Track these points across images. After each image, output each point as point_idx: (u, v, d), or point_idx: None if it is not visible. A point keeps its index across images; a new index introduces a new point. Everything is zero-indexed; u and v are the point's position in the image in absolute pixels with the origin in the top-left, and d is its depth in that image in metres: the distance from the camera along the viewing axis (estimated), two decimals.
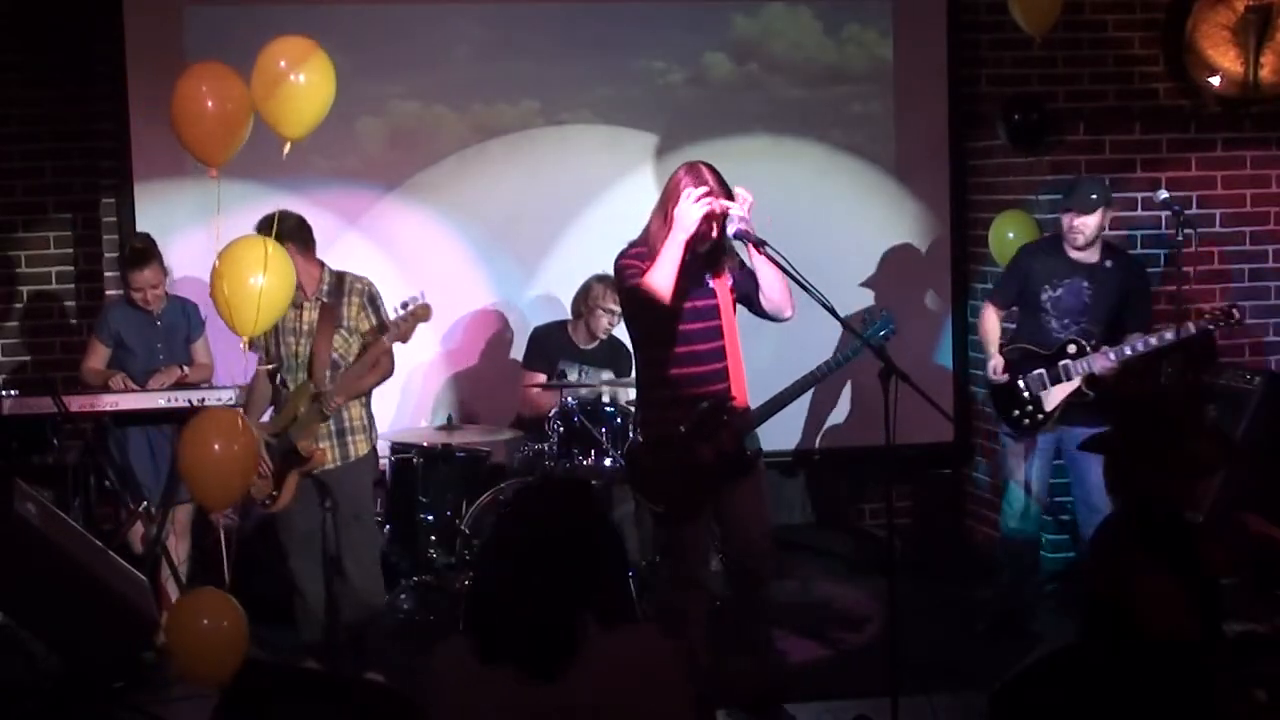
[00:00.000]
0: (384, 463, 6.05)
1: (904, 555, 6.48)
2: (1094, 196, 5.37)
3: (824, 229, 6.67)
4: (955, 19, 6.82)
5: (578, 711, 2.57)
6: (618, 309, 6.10)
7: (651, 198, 6.02)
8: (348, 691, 3.55)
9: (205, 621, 4.23)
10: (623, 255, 4.70)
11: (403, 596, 5.86)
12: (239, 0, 6.37)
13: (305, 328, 5.04)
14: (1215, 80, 6.54)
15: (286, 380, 5.11)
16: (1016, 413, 5.49)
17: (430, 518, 5.81)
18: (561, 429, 5.75)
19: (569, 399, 5.86)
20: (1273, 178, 6.50)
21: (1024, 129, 6.34)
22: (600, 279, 6.18)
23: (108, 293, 6.35)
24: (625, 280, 4.64)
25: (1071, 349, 5.38)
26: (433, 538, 5.80)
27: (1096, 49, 6.60)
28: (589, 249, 6.60)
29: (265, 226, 4.82)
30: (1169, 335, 5.28)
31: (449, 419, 6.18)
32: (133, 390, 5.61)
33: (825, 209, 6.78)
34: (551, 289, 6.63)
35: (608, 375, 6.17)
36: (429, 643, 5.55)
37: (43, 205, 6.43)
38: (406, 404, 6.60)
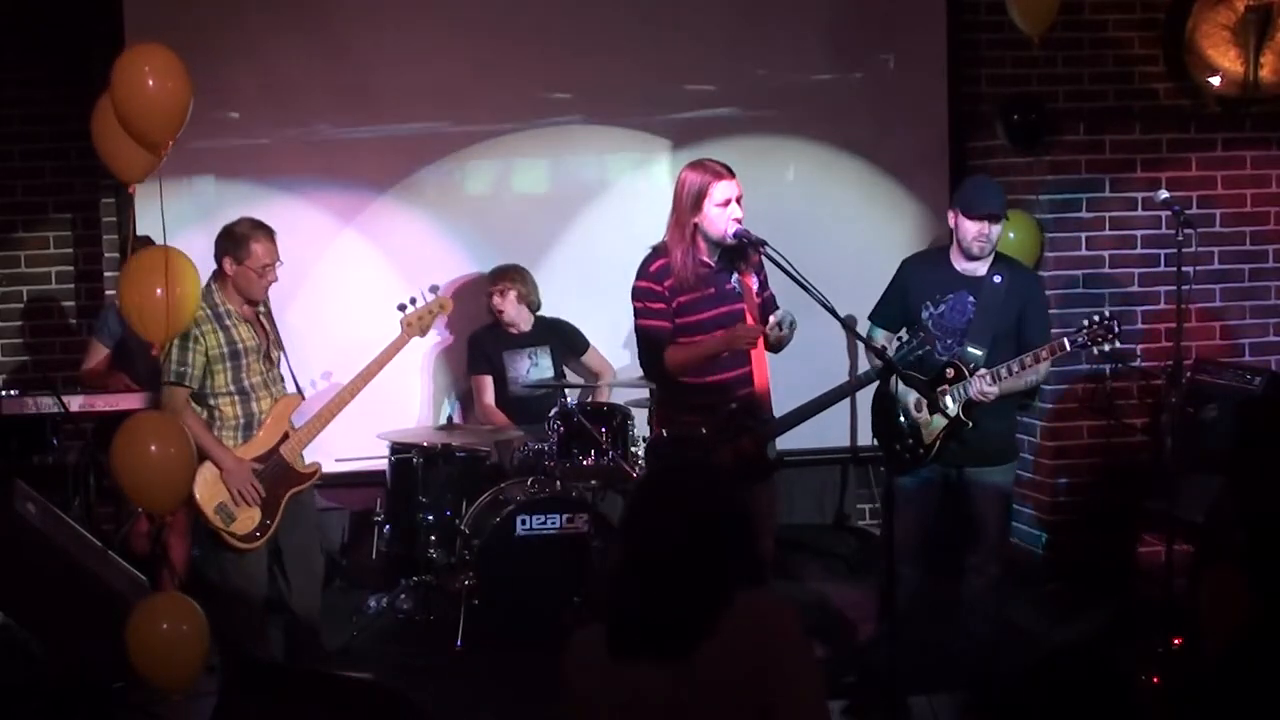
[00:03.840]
0: (384, 463, 6.06)
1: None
2: (1004, 203, 4.87)
3: (824, 229, 6.66)
4: (955, 19, 6.81)
5: (708, 685, 2.55)
6: (503, 285, 6.24)
7: (651, 197, 6.07)
8: (347, 691, 3.54)
9: (165, 626, 4.21)
10: (643, 273, 4.65)
11: (403, 596, 5.86)
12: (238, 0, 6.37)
13: (263, 345, 4.90)
14: (1215, 80, 6.53)
15: (253, 401, 4.86)
16: (897, 447, 4.85)
17: (430, 518, 5.81)
18: (561, 429, 5.75)
19: (569, 399, 5.87)
20: (1273, 178, 6.50)
21: (1023, 129, 6.33)
22: (493, 270, 6.29)
23: (108, 293, 6.35)
24: (636, 317, 4.68)
25: (950, 373, 4.74)
26: (433, 538, 5.80)
27: (1096, 49, 6.60)
28: (589, 248, 6.61)
29: (221, 239, 4.82)
30: (1044, 353, 4.71)
31: (449, 419, 6.18)
32: (132, 390, 5.61)
33: (825, 209, 6.77)
34: (551, 289, 6.61)
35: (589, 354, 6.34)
36: (429, 643, 5.61)
37: (43, 205, 6.43)
38: (406, 404, 6.60)
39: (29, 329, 6.47)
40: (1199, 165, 6.41)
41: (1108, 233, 6.37)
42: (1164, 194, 5.78)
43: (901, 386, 4.74)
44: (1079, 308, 6.26)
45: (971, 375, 4.70)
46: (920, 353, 4.70)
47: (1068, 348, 4.72)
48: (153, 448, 4.19)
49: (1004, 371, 4.69)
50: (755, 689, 2.57)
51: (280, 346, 5.00)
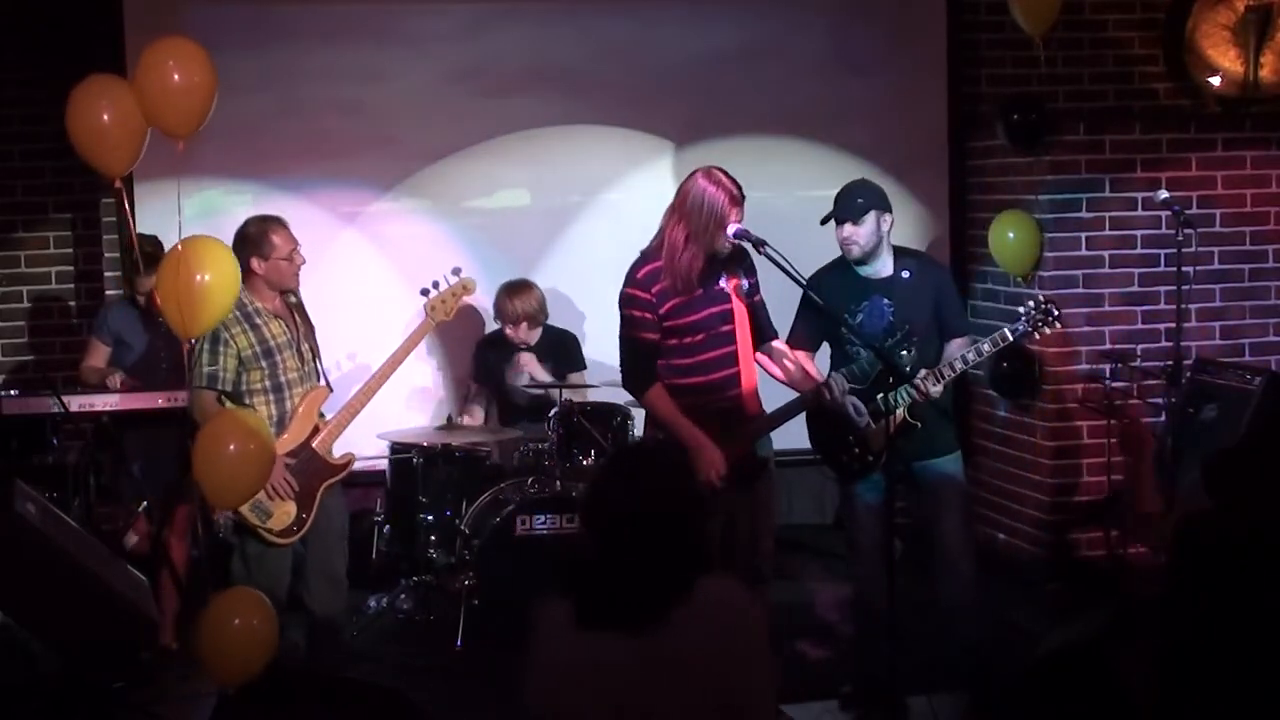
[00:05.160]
0: (384, 463, 6.07)
1: (904, 555, 6.47)
2: (860, 201, 4.79)
3: (824, 229, 6.65)
4: (955, 19, 6.82)
5: (666, 661, 2.68)
6: (519, 320, 6.20)
7: (652, 197, 6.08)
8: (349, 692, 3.55)
9: (237, 621, 4.20)
10: (631, 279, 4.59)
11: (402, 596, 5.87)
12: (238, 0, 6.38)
13: (294, 340, 4.90)
14: (1215, 80, 6.54)
15: (287, 400, 4.86)
16: (844, 459, 4.83)
17: (430, 518, 5.82)
18: (561, 429, 5.76)
19: (567, 400, 5.88)
20: (1273, 178, 6.50)
21: (1022, 129, 6.33)
22: (509, 291, 6.25)
23: (108, 293, 6.36)
24: (622, 324, 4.63)
25: (889, 379, 4.60)
26: (432, 538, 5.81)
27: (1096, 49, 6.60)
28: (589, 248, 6.62)
29: (239, 244, 4.82)
30: (986, 346, 4.66)
31: (449, 419, 6.18)
32: (131, 389, 5.62)
33: (825, 209, 6.75)
34: (551, 289, 6.62)
35: (577, 377, 6.25)
36: (429, 643, 5.61)
37: (43, 205, 6.43)
38: (407, 404, 6.60)
39: (29, 329, 6.47)
40: (1199, 165, 6.41)
41: (1108, 233, 6.37)
42: (1164, 194, 5.79)
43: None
44: (1079, 308, 6.27)
45: (910, 376, 4.65)
46: (909, 344, 4.69)
47: (1010, 338, 4.68)
48: (233, 446, 4.21)
49: (947, 370, 4.68)
50: (712, 672, 2.69)
51: (312, 340, 5.00)
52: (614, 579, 2.75)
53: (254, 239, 4.83)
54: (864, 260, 4.83)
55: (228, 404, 4.82)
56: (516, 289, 6.23)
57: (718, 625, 2.73)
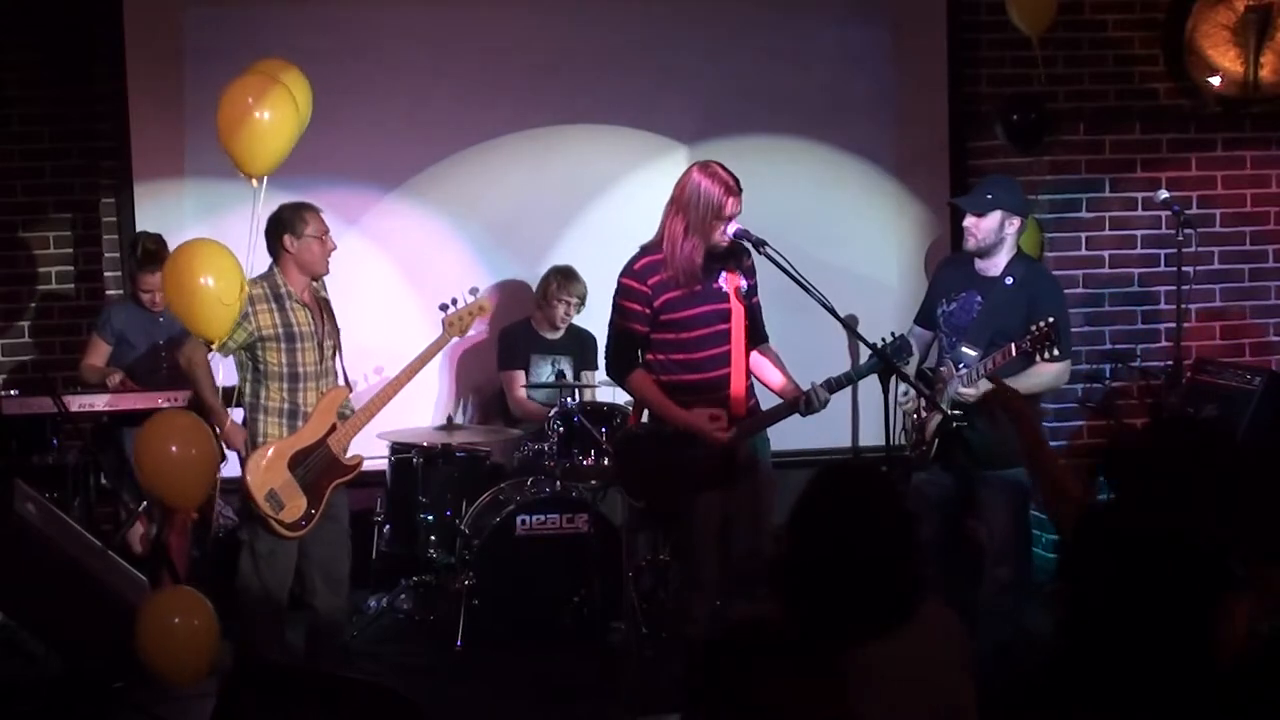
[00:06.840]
0: (384, 463, 6.06)
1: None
2: (989, 196, 4.81)
3: (824, 229, 6.67)
4: (955, 19, 6.81)
5: (869, 680, 2.59)
6: (573, 299, 6.25)
7: (653, 196, 6.08)
8: (347, 691, 3.54)
9: (176, 620, 4.21)
10: (628, 270, 4.61)
11: (402, 596, 5.87)
12: (239, 0, 6.37)
13: (318, 334, 4.88)
14: (1215, 80, 6.54)
15: (301, 391, 4.83)
16: (909, 445, 4.99)
17: (430, 518, 5.82)
18: (561, 429, 5.76)
19: (568, 399, 5.88)
20: (1273, 178, 6.51)
21: (1022, 129, 6.34)
22: (559, 271, 6.33)
23: (108, 292, 6.36)
24: (613, 312, 4.64)
25: (943, 370, 4.80)
26: (433, 538, 5.81)
27: (1096, 49, 6.61)
28: (590, 248, 6.60)
29: (272, 225, 4.85)
30: (998, 357, 4.64)
31: (449, 419, 6.18)
32: (131, 389, 5.62)
33: (825, 209, 6.77)
34: None
35: (589, 375, 6.27)
36: (429, 643, 5.61)
37: (43, 205, 6.42)
38: (406, 404, 6.59)
39: (29, 329, 6.47)
40: (1199, 165, 6.42)
41: (1108, 233, 6.38)
42: (1164, 194, 5.79)
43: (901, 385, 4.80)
44: (1079, 308, 6.27)
45: (913, 378, 4.73)
46: (902, 350, 4.72)
47: (1013, 353, 4.66)
48: (174, 448, 4.19)
49: (972, 374, 4.69)
50: (912, 698, 2.64)
51: (335, 338, 5.00)
52: (828, 601, 2.67)
53: (288, 219, 4.83)
54: (980, 254, 4.87)
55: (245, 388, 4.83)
56: (570, 272, 6.32)
57: (927, 650, 2.66)
